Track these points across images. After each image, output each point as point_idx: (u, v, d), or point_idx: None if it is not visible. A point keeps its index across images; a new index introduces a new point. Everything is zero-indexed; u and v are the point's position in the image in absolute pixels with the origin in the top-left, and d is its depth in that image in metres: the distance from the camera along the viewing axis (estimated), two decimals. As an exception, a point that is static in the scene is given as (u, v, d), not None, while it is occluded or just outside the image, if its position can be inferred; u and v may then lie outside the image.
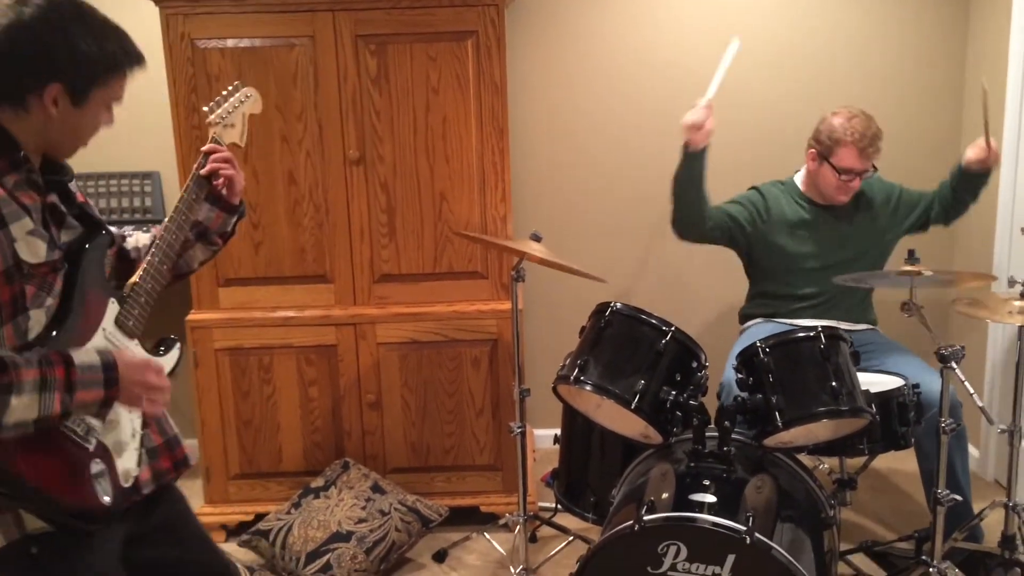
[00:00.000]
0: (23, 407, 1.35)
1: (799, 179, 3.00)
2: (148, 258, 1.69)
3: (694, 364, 2.37)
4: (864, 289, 2.94)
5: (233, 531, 3.10)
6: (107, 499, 1.53)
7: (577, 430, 2.72)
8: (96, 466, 1.52)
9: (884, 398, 2.44)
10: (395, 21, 2.86)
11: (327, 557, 2.72)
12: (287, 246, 3.00)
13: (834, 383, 2.21)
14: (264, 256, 3.01)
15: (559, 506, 2.79)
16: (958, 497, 2.33)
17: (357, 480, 2.96)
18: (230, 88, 1.95)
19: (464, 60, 2.89)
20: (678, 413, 2.29)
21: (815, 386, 2.23)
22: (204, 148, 1.81)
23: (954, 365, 2.23)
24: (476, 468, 3.14)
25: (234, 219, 1.90)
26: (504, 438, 3.08)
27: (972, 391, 2.24)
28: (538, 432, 3.73)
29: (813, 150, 2.87)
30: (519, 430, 2.75)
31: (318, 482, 2.98)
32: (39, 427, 1.40)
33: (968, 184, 2.88)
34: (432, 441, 3.12)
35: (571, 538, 2.93)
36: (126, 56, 1.55)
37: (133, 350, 1.63)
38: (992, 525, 2.72)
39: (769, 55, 3.51)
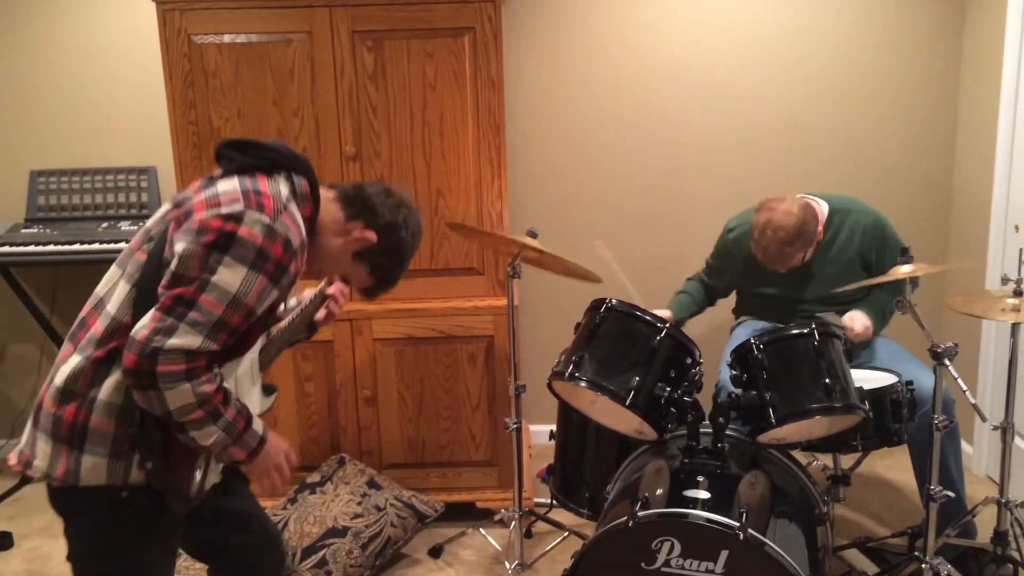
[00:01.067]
0: (209, 435, 1.55)
1: None
2: (291, 316, 1.96)
3: (688, 360, 2.37)
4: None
5: (229, 526, 3.11)
6: (192, 494, 1.68)
7: (572, 426, 2.72)
8: (200, 464, 1.68)
9: (877, 395, 2.45)
10: (392, 17, 2.87)
11: (323, 552, 2.72)
12: (283, 242, 3.00)
13: (828, 380, 2.22)
14: (260, 252, 3.01)
15: (554, 502, 2.80)
16: (951, 493, 2.34)
17: (353, 476, 2.97)
18: None
19: (461, 56, 2.90)
20: (672, 409, 2.29)
21: (809, 383, 2.24)
22: (330, 290, 2.04)
23: (947, 362, 2.24)
24: (472, 464, 3.15)
25: (302, 337, 2.06)
26: (500, 434, 3.09)
27: (965, 388, 2.25)
28: (534, 428, 3.74)
29: None
30: (515, 426, 2.76)
31: (314, 477, 2.99)
32: (200, 448, 1.59)
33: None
34: (428, 437, 3.12)
35: (566, 534, 2.94)
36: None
37: (256, 384, 1.87)
38: (985, 521, 2.74)
39: (764, 57, 3.51)
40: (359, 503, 2.86)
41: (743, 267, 2.95)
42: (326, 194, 1.75)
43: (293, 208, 1.62)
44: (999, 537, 2.61)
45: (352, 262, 1.78)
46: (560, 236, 3.59)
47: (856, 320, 2.74)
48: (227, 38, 2.87)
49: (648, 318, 2.35)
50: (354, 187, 1.78)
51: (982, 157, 3.34)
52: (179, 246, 1.53)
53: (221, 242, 1.51)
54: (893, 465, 3.49)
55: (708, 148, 3.60)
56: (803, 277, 2.88)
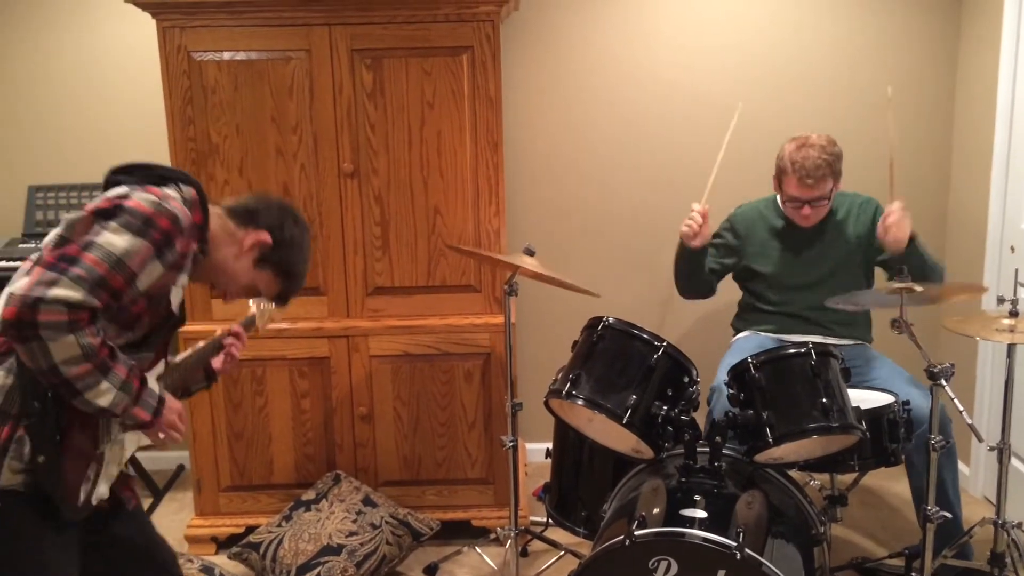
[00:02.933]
0: (103, 392, 1.56)
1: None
2: (188, 353, 2.00)
3: (685, 379, 2.38)
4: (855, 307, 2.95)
5: (224, 543, 3.09)
6: (80, 503, 1.64)
7: (569, 444, 2.72)
8: (92, 470, 1.66)
9: (874, 415, 2.45)
10: (391, 36, 2.88)
11: (318, 570, 2.71)
12: (281, 258, 3.00)
13: (825, 400, 2.22)
14: (258, 268, 3.01)
15: (550, 520, 2.79)
16: (948, 514, 2.34)
17: (348, 493, 2.96)
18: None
19: (459, 75, 2.91)
20: (669, 428, 2.29)
21: (806, 403, 2.24)
22: (235, 328, 2.08)
23: (944, 383, 2.24)
24: (468, 482, 3.13)
25: (201, 385, 2.07)
26: (496, 452, 3.08)
27: (962, 408, 2.25)
28: (530, 446, 3.73)
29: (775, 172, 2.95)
30: (511, 444, 2.75)
31: (309, 495, 2.97)
32: (98, 414, 1.61)
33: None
34: (424, 454, 3.11)
35: (562, 552, 2.93)
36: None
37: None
38: (982, 542, 2.73)
39: (759, 76, 3.53)
40: (354, 521, 2.85)
41: (746, 238, 3.02)
42: (214, 209, 1.80)
43: (181, 203, 1.67)
44: (996, 558, 2.60)
45: (255, 270, 1.85)
46: (558, 251, 3.59)
47: (897, 215, 2.67)
48: (227, 55, 2.88)
49: (645, 336, 2.35)
50: (235, 200, 1.86)
51: (978, 178, 3.36)
52: (67, 217, 1.58)
53: (108, 211, 1.57)
54: (890, 485, 3.49)
55: (704, 165, 3.60)
56: (804, 251, 2.94)
